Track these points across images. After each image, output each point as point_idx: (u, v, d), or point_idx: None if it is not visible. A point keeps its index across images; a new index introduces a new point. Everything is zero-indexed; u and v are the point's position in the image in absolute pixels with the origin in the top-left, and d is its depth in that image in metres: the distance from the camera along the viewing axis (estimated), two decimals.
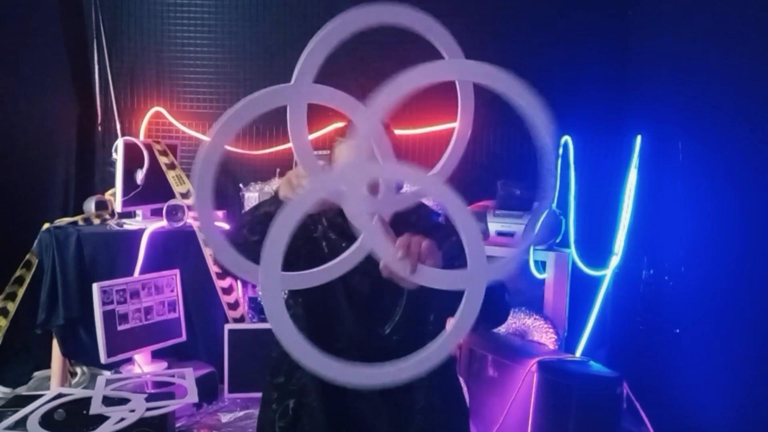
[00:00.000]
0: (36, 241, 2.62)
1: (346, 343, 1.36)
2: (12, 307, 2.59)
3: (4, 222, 2.90)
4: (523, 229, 0.92)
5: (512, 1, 3.38)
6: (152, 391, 2.31)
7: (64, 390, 2.12)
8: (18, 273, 2.61)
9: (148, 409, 1.88)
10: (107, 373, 2.47)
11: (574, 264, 2.92)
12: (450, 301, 1.11)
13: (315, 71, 0.99)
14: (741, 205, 2.25)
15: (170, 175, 2.87)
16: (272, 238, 0.86)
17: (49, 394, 2.02)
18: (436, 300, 1.26)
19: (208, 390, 2.55)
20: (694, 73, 2.59)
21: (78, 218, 2.79)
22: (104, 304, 2.42)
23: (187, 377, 2.28)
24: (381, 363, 1.21)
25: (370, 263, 1.31)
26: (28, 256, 2.62)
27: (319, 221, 1.40)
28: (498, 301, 1.25)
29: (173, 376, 2.38)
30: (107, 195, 2.94)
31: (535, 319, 2.71)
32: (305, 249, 1.35)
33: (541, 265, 2.86)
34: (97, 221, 2.82)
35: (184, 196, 2.85)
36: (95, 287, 2.41)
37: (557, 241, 2.92)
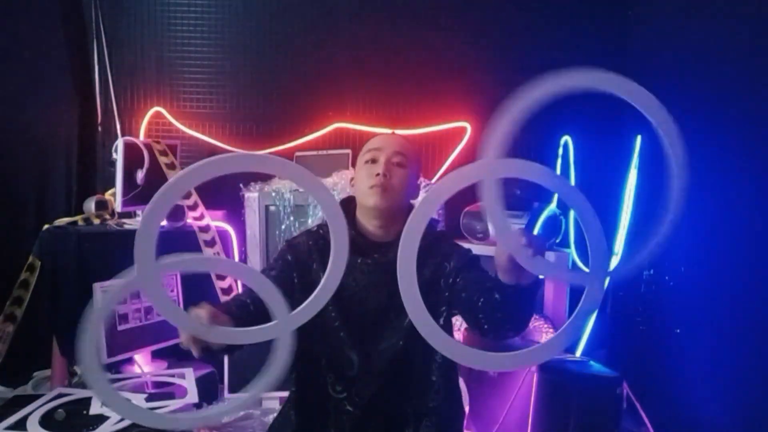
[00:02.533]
0: (36, 242, 2.62)
1: (355, 356, 1.37)
2: (19, 312, 2.59)
3: (5, 222, 2.90)
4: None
5: (512, 1, 3.38)
6: (152, 391, 2.31)
7: (64, 390, 2.12)
8: (22, 276, 2.61)
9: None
10: (107, 374, 2.47)
11: (574, 264, 2.92)
12: (471, 299, 1.21)
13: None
14: (741, 205, 2.25)
15: (170, 175, 2.87)
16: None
17: (49, 394, 2.02)
18: (458, 301, 1.33)
19: (208, 390, 2.55)
20: (694, 73, 2.58)
21: (78, 218, 2.79)
22: None
23: (187, 377, 2.28)
24: (390, 369, 1.26)
25: (379, 278, 1.33)
26: (30, 259, 2.61)
27: (313, 254, 1.40)
28: (529, 303, 1.25)
29: (173, 376, 2.38)
30: (107, 195, 2.94)
31: (535, 319, 2.71)
32: (301, 284, 1.37)
33: None
34: (97, 221, 2.82)
35: (184, 196, 2.85)
36: (95, 287, 2.41)
37: (557, 241, 2.92)
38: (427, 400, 1.38)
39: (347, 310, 1.35)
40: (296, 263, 1.38)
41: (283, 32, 3.32)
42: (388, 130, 1.59)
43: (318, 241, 1.40)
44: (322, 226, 1.42)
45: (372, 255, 1.36)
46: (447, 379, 1.41)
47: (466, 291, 1.23)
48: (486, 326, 1.20)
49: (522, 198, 2.91)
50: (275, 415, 1.52)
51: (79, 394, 2.04)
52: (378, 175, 1.35)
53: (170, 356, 2.73)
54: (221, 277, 2.82)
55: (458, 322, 2.88)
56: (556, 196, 3.02)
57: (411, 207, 1.40)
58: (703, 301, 2.43)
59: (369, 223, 1.39)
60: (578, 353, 2.87)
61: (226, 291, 2.82)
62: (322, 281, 1.00)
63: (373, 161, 1.38)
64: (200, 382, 2.37)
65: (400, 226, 1.36)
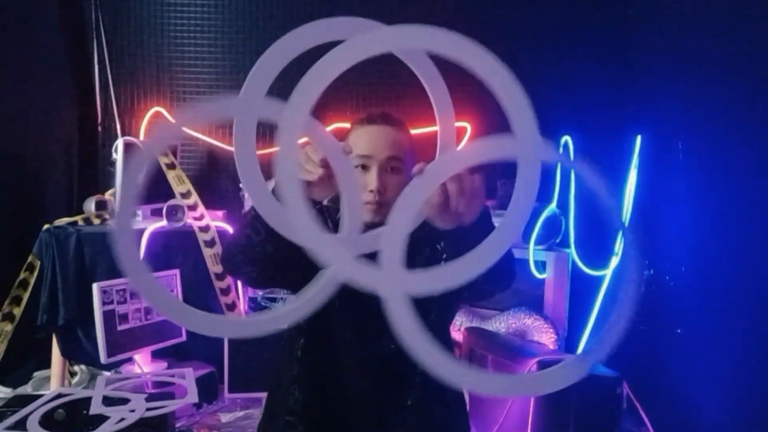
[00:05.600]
0: (36, 242, 2.62)
1: (343, 353, 1.36)
2: (18, 311, 2.59)
3: (5, 222, 2.90)
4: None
5: (512, 1, 3.38)
6: (152, 391, 2.31)
7: (64, 390, 2.12)
8: (22, 276, 2.61)
9: (148, 409, 1.88)
10: (107, 373, 2.47)
11: (574, 264, 2.92)
12: (459, 293, 1.10)
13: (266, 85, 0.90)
14: (741, 205, 2.25)
15: (170, 175, 2.87)
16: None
17: (49, 394, 2.02)
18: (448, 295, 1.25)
19: (208, 390, 2.56)
20: (695, 72, 2.58)
21: (78, 218, 2.79)
22: (104, 304, 2.42)
23: (187, 377, 2.28)
24: (379, 370, 1.20)
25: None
26: (30, 259, 2.62)
27: (327, 220, 1.36)
28: (507, 257, 1.16)
29: (173, 376, 2.38)
30: (107, 195, 2.94)
31: (535, 319, 2.71)
32: (304, 260, 1.29)
33: (541, 265, 2.86)
34: (97, 221, 2.82)
35: (184, 196, 2.85)
36: (95, 287, 2.41)
37: (557, 241, 2.92)
38: (406, 398, 1.36)
39: (348, 308, 1.34)
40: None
41: (282, 32, 3.32)
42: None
43: (325, 221, 1.35)
44: (325, 209, 1.37)
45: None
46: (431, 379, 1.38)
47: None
48: (465, 293, 1.09)
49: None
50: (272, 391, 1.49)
51: (79, 394, 2.04)
52: (371, 191, 1.24)
53: (170, 356, 2.73)
54: (221, 277, 2.82)
55: (458, 321, 2.88)
56: (556, 196, 3.02)
57: None
58: (703, 301, 2.43)
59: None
60: (578, 353, 2.87)
61: (225, 291, 2.82)
62: None
63: (364, 167, 1.26)
64: (200, 382, 2.36)
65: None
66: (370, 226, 1.30)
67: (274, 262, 1.17)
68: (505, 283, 1.22)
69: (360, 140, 1.27)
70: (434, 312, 1.30)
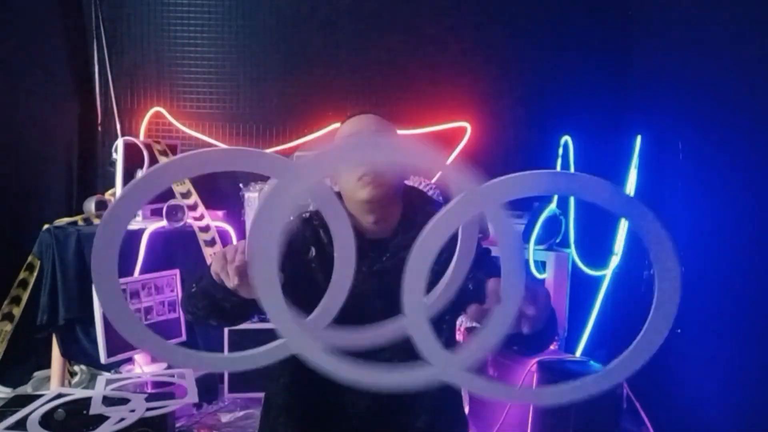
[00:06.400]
0: (36, 242, 2.62)
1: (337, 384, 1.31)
2: (17, 311, 2.59)
3: (5, 222, 2.90)
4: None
5: (512, 2, 3.38)
6: (152, 391, 2.31)
7: (64, 390, 2.12)
8: (21, 276, 2.61)
9: (148, 409, 1.88)
10: (107, 374, 2.47)
11: (574, 264, 2.92)
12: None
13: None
14: (741, 205, 2.25)
15: None
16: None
17: (49, 394, 2.02)
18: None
19: (208, 390, 2.55)
20: (695, 73, 2.59)
21: (78, 218, 2.79)
22: None
23: (187, 377, 2.28)
24: (380, 397, 1.16)
25: (381, 284, 1.24)
26: (30, 259, 2.61)
27: (309, 244, 1.31)
28: (550, 330, 1.17)
29: (173, 376, 2.38)
30: (107, 195, 2.94)
31: None
32: (294, 272, 1.18)
33: (541, 265, 2.86)
34: (97, 221, 2.82)
35: (184, 196, 2.85)
36: (95, 287, 2.41)
37: (557, 241, 2.92)
38: (418, 413, 1.32)
39: (345, 320, 1.28)
40: (288, 252, 1.21)
41: (283, 32, 3.33)
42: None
43: (316, 231, 1.31)
44: (315, 217, 1.33)
45: (369, 256, 1.28)
46: (438, 395, 1.30)
47: (478, 297, 1.14)
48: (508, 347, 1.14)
49: (522, 197, 2.90)
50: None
51: (79, 394, 2.04)
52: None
53: None
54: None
55: (458, 321, 2.88)
56: (555, 196, 3.02)
57: (405, 192, 1.33)
58: (703, 302, 2.43)
59: (363, 219, 1.29)
60: (578, 353, 2.87)
61: None
62: (333, 284, 0.85)
63: None
64: (200, 382, 2.36)
65: (395, 219, 1.30)
66: (371, 204, 1.25)
67: (225, 318, 1.25)
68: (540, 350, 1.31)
69: (346, 128, 1.31)
70: (444, 336, 1.31)
